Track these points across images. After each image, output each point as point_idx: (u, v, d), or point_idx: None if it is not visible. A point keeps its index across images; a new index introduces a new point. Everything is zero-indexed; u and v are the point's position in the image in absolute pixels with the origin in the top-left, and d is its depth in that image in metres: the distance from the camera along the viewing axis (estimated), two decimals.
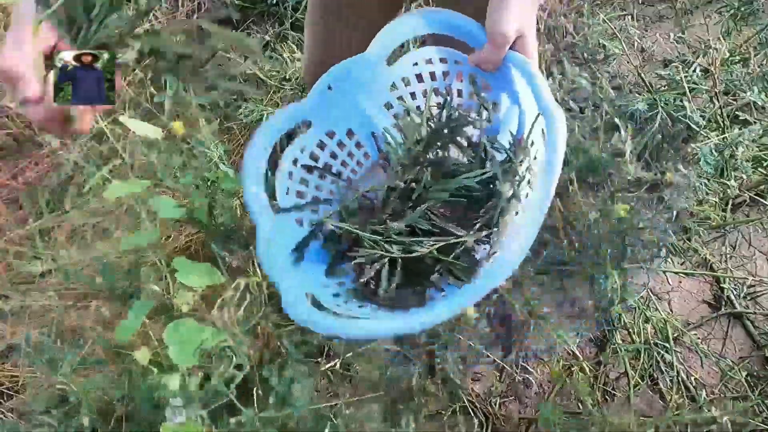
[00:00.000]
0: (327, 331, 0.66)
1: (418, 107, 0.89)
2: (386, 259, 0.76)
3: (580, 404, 1.27)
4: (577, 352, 1.33)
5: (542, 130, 0.69)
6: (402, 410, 1.13)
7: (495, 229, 0.75)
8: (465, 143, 0.81)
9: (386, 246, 0.76)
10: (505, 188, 0.75)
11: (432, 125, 0.85)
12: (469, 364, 1.27)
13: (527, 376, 1.31)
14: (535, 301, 1.23)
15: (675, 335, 1.36)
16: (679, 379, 1.30)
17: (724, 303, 1.42)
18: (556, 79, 1.53)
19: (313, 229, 0.82)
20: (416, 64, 0.85)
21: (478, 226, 0.75)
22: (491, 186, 0.78)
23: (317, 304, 0.74)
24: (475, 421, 1.25)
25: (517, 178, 0.76)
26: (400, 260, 0.77)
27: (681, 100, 1.56)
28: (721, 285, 1.44)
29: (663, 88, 1.68)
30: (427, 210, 0.78)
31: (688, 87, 1.61)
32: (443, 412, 1.27)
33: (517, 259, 0.62)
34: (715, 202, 1.52)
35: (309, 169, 0.87)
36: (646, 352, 1.32)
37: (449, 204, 0.78)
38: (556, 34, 1.74)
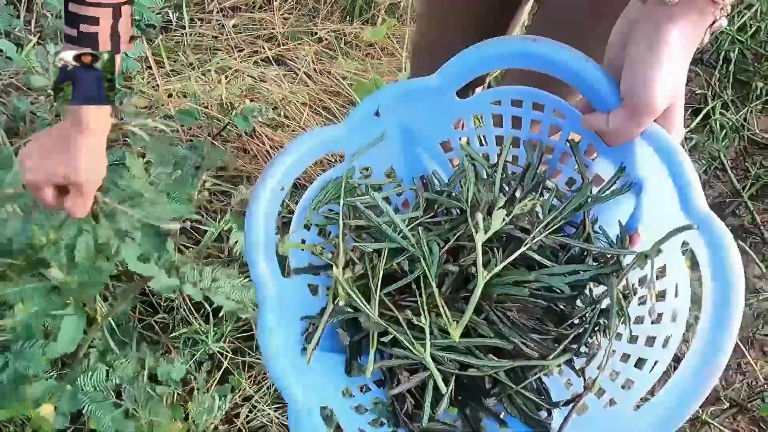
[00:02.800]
0: None
1: (486, 155, 0.68)
2: (430, 374, 0.55)
3: None
4: None
5: (684, 244, 0.50)
6: None
7: (584, 354, 0.56)
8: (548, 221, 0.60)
9: (430, 352, 0.55)
10: (612, 297, 0.55)
11: (506, 187, 0.63)
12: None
13: None
14: None
15: None
16: None
17: None
18: None
19: (332, 305, 0.60)
20: (498, 102, 0.64)
21: (561, 348, 0.56)
22: (584, 292, 0.58)
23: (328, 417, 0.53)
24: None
25: (623, 287, 0.56)
26: (452, 377, 0.56)
27: None
28: None
29: None
30: (492, 308, 0.57)
31: None
32: None
33: None
34: None
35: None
36: None
37: (519, 302, 0.58)
38: None
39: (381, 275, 0.59)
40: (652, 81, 0.49)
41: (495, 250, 0.58)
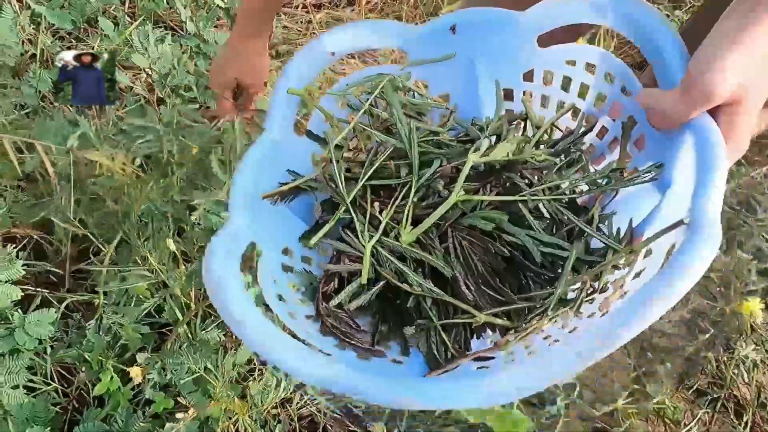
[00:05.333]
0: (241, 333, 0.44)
1: (543, 119, 0.63)
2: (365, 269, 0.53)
3: None
4: None
5: (673, 246, 0.42)
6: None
7: (519, 328, 0.50)
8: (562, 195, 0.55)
9: (372, 248, 0.53)
10: (563, 284, 0.48)
11: (542, 148, 0.59)
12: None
13: None
14: None
15: None
16: None
17: None
18: None
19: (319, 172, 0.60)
20: (573, 63, 0.59)
21: (499, 309, 0.50)
22: (552, 269, 0.52)
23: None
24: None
25: (591, 286, 0.49)
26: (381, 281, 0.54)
27: None
28: None
29: None
30: (454, 236, 0.53)
31: None
32: (707, 390, 1.16)
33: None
34: None
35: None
36: None
37: (484, 248, 0.53)
38: None
39: (375, 166, 0.58)
40: (719, 61, 0.42)
41: (489, 188, 0.54)
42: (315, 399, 1.08)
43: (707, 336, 1.17)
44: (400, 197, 0.56)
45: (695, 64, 0.44)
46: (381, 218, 0.54)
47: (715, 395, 1.15)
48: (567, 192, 0.53)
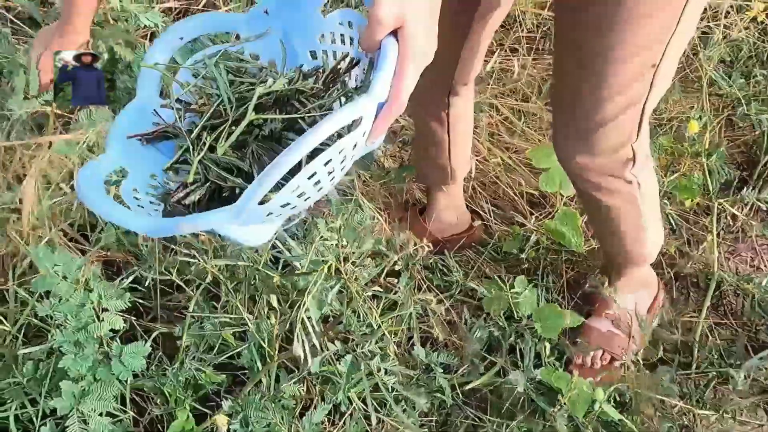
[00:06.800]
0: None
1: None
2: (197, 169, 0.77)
3: None
4: None
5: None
6: None
7: None
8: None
9: (200, 160, 0.77)
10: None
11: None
12: None
13: None
14: None
15: None
16: None
17: None
18: None
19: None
20: (341, 23, 0.83)
21: None
22: None
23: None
24: None
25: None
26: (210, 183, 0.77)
27: None
28: None
29: None
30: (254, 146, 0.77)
31: None
32: None
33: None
34: None
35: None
36: None
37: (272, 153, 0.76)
38: None
39: (212, 110, 0.82)
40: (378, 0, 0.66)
41: (279, 111, 0.78)
42: None
43: None
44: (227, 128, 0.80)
45: (370, 5, 0.68)
46: (206, 140, 0.78)
47: None
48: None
